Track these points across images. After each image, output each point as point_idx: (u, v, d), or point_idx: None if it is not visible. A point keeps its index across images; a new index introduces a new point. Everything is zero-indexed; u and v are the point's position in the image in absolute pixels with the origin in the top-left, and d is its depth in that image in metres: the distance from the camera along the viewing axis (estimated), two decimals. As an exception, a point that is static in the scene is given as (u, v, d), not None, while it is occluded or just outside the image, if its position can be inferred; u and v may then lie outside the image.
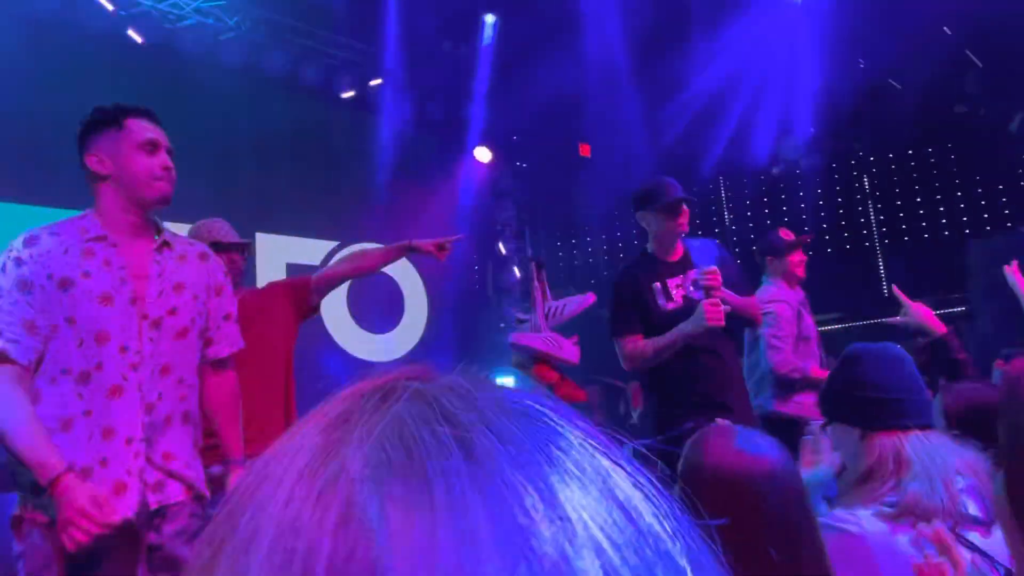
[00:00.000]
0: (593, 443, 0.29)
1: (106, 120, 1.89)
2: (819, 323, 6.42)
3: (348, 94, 6.91)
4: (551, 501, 0.25)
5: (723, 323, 2.63)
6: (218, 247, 2.52)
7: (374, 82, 7.02)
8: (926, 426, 1.36)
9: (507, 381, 7.42)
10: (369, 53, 6.75)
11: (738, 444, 1.10)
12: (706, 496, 1.07)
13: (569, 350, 2.91)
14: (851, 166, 7.47)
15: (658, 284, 2.93)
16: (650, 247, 3.03)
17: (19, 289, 1.74)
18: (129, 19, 5.62)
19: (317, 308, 2.86)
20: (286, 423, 2.72)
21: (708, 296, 2.69)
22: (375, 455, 0.26)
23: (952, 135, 6.91)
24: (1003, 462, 0.97)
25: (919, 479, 1.24)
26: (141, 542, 1.84)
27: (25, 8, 5.23)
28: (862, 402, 1.40)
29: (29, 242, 1.79)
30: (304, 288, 2.80)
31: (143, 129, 1.91)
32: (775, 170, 7.54)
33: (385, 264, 2.95)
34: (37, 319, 1.74)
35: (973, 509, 1.24)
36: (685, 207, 2.89)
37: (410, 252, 2.85)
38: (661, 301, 2.92)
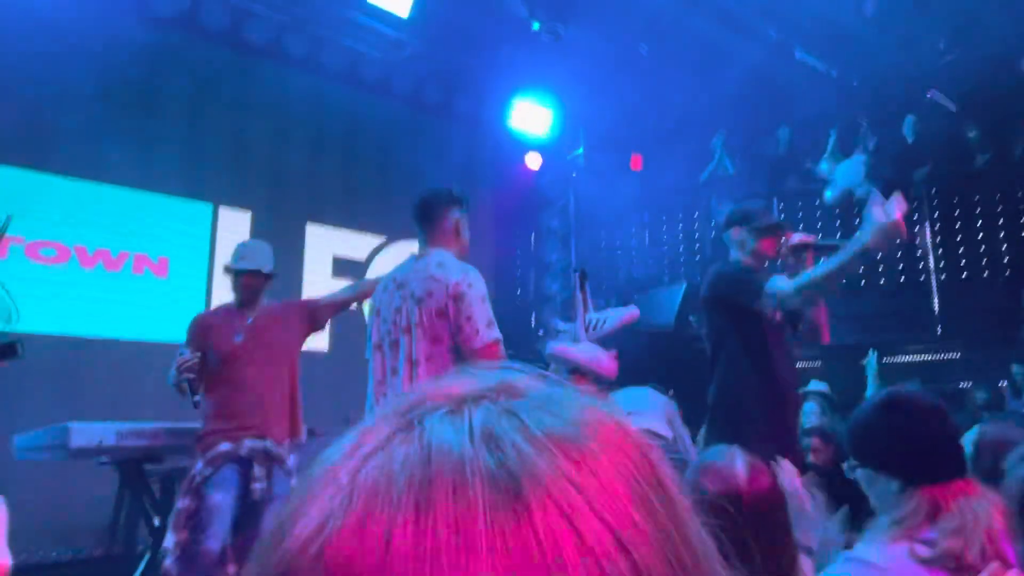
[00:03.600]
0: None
1: (467, 202, 2.75)
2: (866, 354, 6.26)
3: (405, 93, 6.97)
4: None
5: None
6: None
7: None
8: (961, 475, 1.33)
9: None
10: (427, 55, 6.80)
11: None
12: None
13: (607, 364, 2.89)
14: (911, 195, 7.28)
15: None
16: (742, 262, 2.93)
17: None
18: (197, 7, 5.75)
19: (323, 326, 3.48)
20: (292, 413, 3.23)
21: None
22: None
23: (1021, 171, 6.69)
24: None
25: (959, 534, 1.21)
26: None
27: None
28: (904, 455, 1.37)
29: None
30: (316, 308, 3.44)
31: None
32: (830, 195, 7.38)
33: None
34: None
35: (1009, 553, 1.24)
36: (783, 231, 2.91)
37: None
38: None
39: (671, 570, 0.32)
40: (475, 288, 2.47)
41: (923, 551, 1.22)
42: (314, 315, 3.39)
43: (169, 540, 2.88)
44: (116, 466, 3.54)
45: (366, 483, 0.31)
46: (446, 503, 0.30)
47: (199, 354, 3.08)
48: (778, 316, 2.84)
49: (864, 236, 2.34)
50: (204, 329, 3.20)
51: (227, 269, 3.29)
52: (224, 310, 3.35)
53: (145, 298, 5.59)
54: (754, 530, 1.15)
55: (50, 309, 5.17)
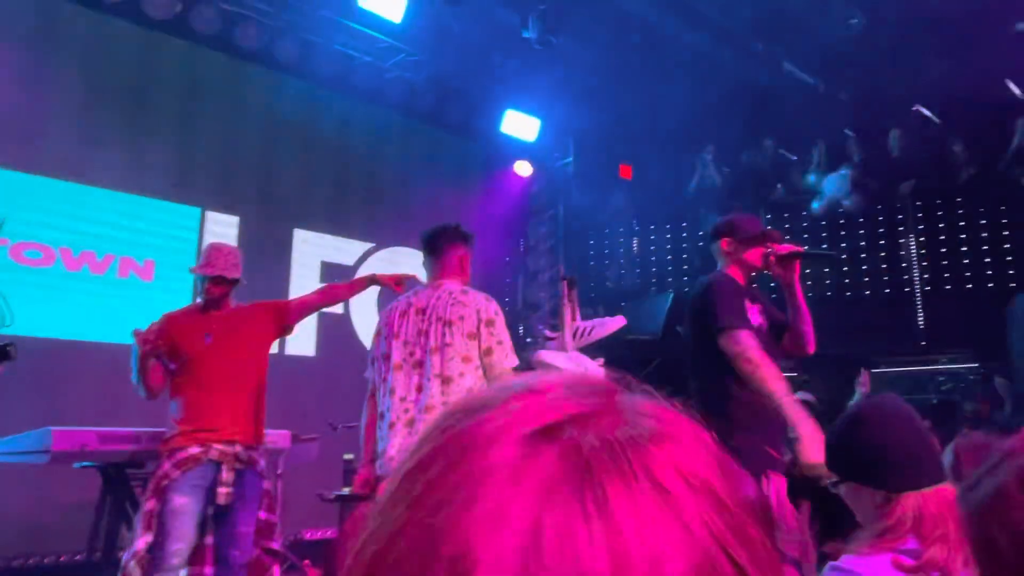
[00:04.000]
0: None
1: (472, 240, 3.11)
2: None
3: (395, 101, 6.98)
4: None
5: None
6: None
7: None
8: (941, 480, 1.35)
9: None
10: (419, 62, 6.82)
11: None
12: None
13: (594, 372, 2.90)
14: (896, 208, 7.35)
15: (745, 299, 2.81)
16: (727, 271, 2.90)
17: None
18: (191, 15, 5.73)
19: (292, 329, 3.46)
20: (257, 417, 3.17)
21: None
22: None
23: (1005, 185, 6.77)
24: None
25: (943, 541, 1.23)
26: None
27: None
28: (884, 464, 1.38)
29: None
30: (285, 310, 3.41)
31: None
32: (816, 207, 7.45)
33: (352, 295, 3.73)
34: None
35: None
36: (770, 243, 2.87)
37: (372, 284, 3.50)
38: (749, 314, 2.78)
39: None
40: (501, 316, 2.87)
41: (907, 561, 1.23)
42: (283, 318, 3.36)
43: (132, 541, 2.86)
44: (99, 470, 3.51)
45: (546, 527, 0.30)
46: (631, 523, 0.30)
47: (155, 324, 3.06)
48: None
49: (800, 436, 2.35)
50: (173, 329, 3.14)
51: (192, 271, 3.28)
52: (193, 310, 3.29)
53: (131, 302, 5.54)
54: None
55: (34, 311, 5.13)
